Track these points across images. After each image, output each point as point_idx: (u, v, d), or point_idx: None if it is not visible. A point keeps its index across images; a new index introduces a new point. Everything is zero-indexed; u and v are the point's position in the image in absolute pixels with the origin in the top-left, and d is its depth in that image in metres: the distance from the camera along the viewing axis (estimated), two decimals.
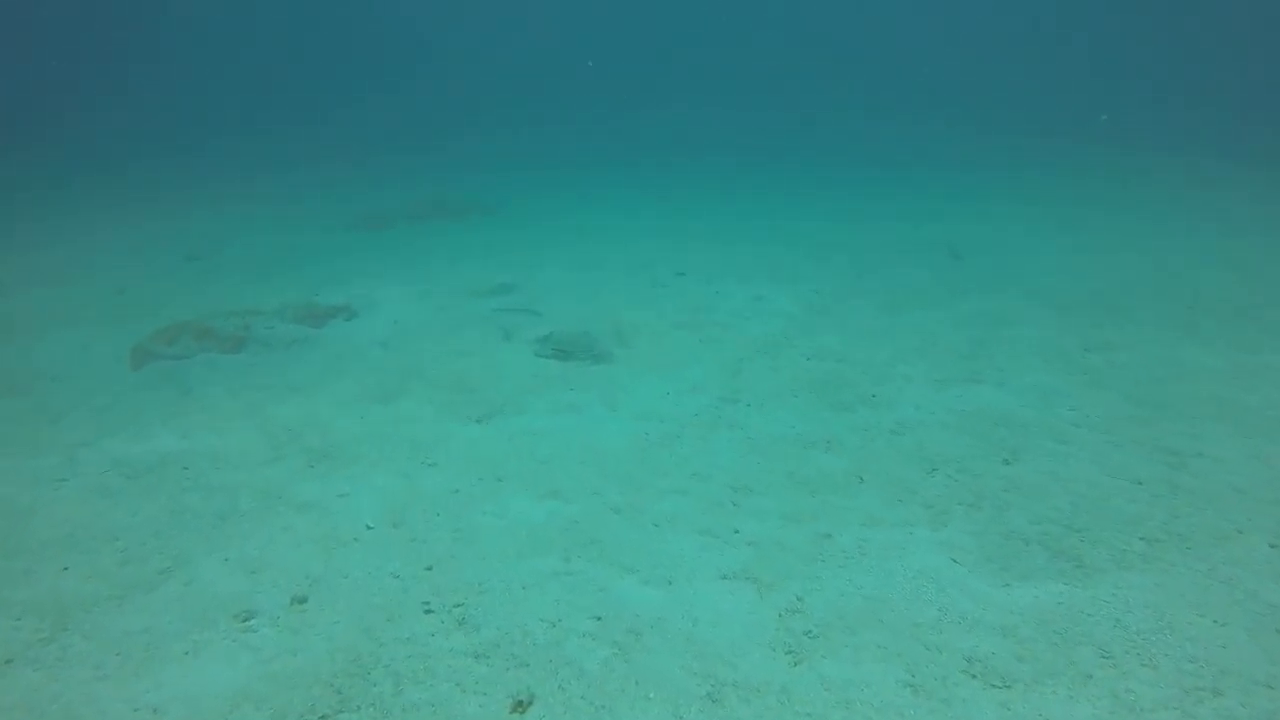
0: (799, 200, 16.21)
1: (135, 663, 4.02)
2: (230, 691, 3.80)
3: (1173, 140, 21.04)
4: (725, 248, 12.47)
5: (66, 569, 4.80)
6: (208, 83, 29.76)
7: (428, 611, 4.34)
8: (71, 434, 6.61)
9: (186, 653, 4.08)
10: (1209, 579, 4.40)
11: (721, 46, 36.33)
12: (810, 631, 4.08)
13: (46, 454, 6.24)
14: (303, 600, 4.47)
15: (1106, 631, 4.02)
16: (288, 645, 4.11)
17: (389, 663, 3.95)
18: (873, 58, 34.31)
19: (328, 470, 5.95)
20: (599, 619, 4.23)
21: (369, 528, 5.18)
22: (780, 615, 4.21)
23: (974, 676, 3.74)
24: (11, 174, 20.03)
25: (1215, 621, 4.07)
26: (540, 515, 5.24)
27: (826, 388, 7.06)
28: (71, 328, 9.43)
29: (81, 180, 19.52)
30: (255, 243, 13.81)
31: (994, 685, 3.68)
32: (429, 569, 4.71)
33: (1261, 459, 5.63)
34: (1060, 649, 3.91)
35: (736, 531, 4.96)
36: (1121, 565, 4.53)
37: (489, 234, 14.01)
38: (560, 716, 3.57)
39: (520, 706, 3.63)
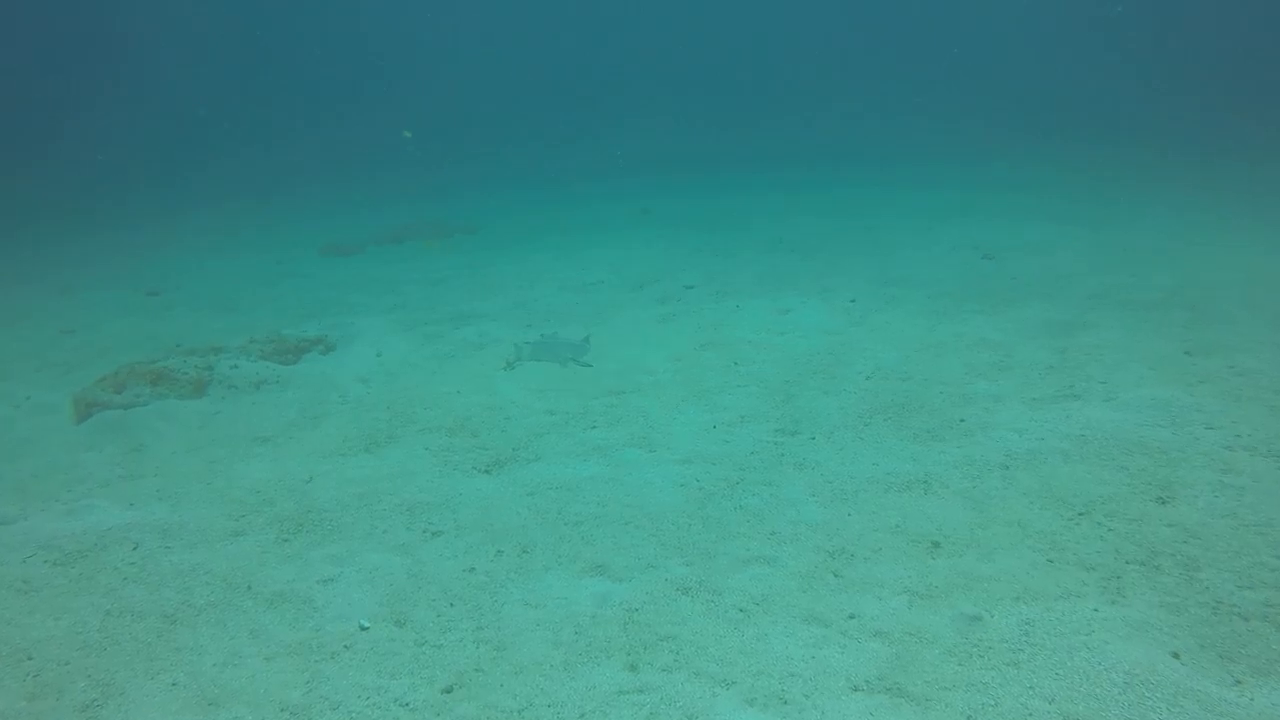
0: (799, 204, 15.01)
1: None
2: None
3: (1184, 135, 20.14)
4: (727, 259, 11.23)
5: None
6: (178, 113, 28.24)
7: None
8: None
9: None
10: None
11: (708, 52, 35.36)
12: None
13: None
14: None
15: None
16: None
17: None
18: (860, 54, 33.44)
19: (305, 546, 4.59)
20: None
21: (363, 628, 3.84)
22: None
23: None
24: None
25: None
26: (586, 601, 3.92)
27: (901, 413, 5.80)
28: (5, 379, 7.98)
29: (47, 219, 17.90)
30: (222, 272, 12.41)
31: None
32: (448, 692, 3.38)
33: None
34: None
35: (852, 617, 3.66)
36: None
37: (472, 255, 12.69)
38: None
39: None
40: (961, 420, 5.58)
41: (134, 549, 4.64)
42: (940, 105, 26.43)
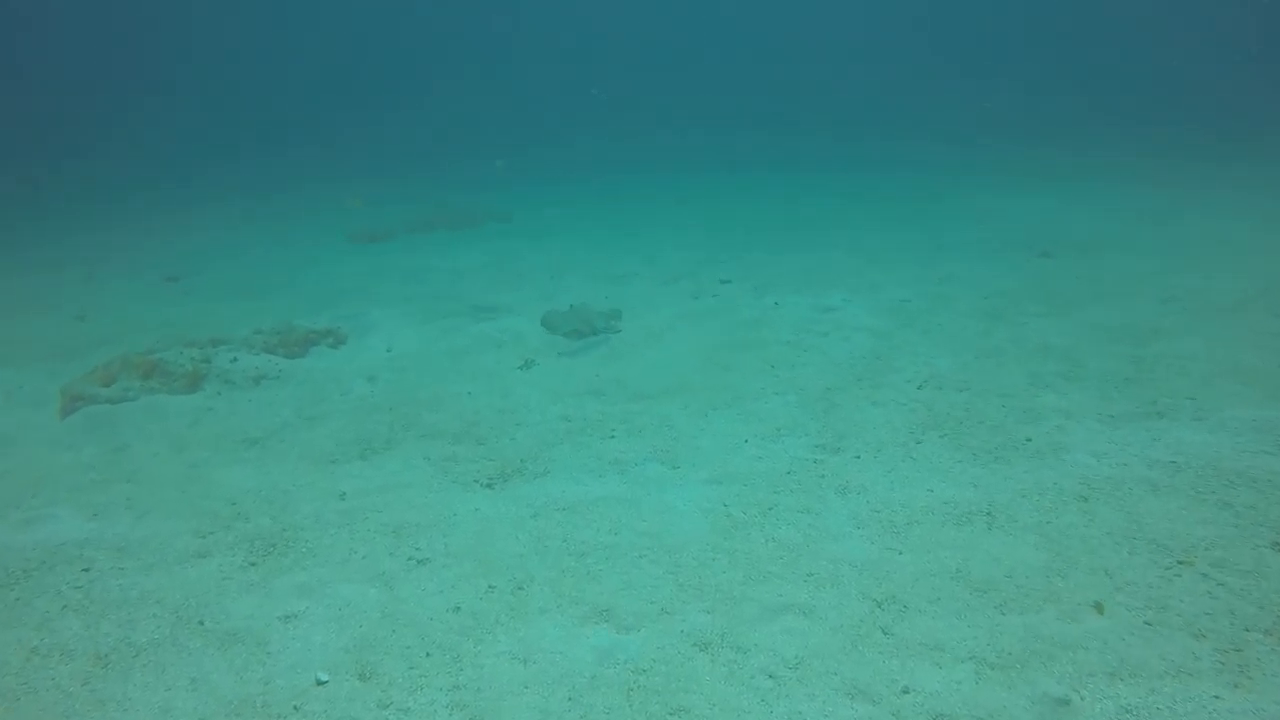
0: (836, 205, 14.16)
1: None
2: None
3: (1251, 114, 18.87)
4: (767, 253, 10.46)
5: None
6: (217, 104, 28.00)
7: None
8: None
9: None
10: None
11: (744, 63, 34.42)
12: None
13: None
14: None
15: None
16: None
17: None
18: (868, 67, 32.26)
19: (273, 571, 3.96)
20: None
21: (320, 682, 3.19)
22: None
23: None
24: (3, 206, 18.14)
25: None
26: (586, 656, 3.24)
27: (958, 428, 5.03)
28: (5, 366, 7.49)
29: (79, 207, 17.60)
30: (246, 259, 11.90)
31: None
32: None
33: None
34: None
35: (906, 691, 2.93)
36: None
37: (503, 243, 12.04)
38: None
39: None
40: (1028, 440, 4.79)
41: (84, 570, 4.05)
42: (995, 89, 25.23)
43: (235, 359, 6.94)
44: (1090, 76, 26.15)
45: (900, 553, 3.79)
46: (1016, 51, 30.44)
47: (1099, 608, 3.21)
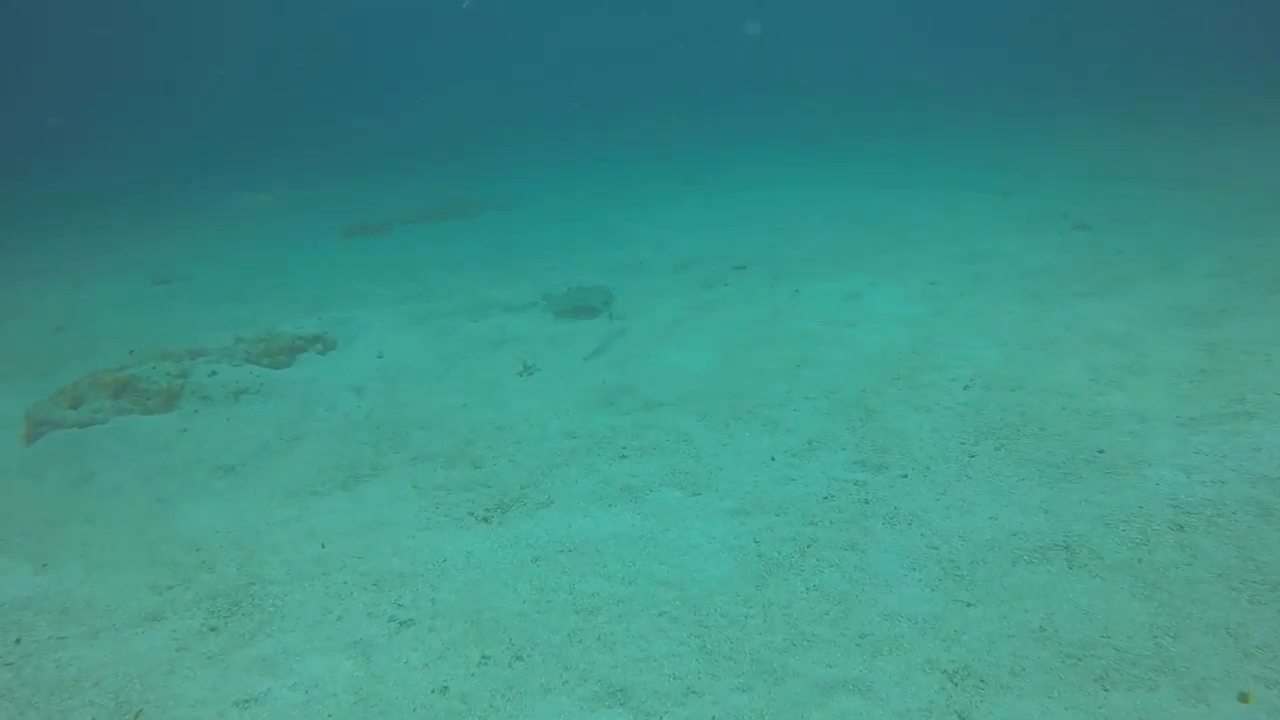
0: (848, 174, 13.40)
1: None
2: None
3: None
4: (782, 233, 9.76)
5: None
6: (215, 104, 27.26)
7: None
8: None
9: None
10: None
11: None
12: None
13: None
14: None
15: None
16: None
17: None
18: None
19: (234, 640, 3.36)
20: None
21: None
22: None
23: None
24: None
25: None
26: None
27: (1016, 438, 4.37)
28: None
29: (70, 211, 16.91)
30: (237, 258, 11.28)
31: None
32: None
33: None
34: None
35: None
36: None
37: (500, 234, 11.36)
38: None
39: None
40: (1100, 451, 4.13)
41: (16, 642, 3.46)
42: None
43: (214, 372, 6.33)
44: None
45: (969, 605, 3.15)
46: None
47: (1244, 698, 2.56)
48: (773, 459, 4.43)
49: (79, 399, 6.02)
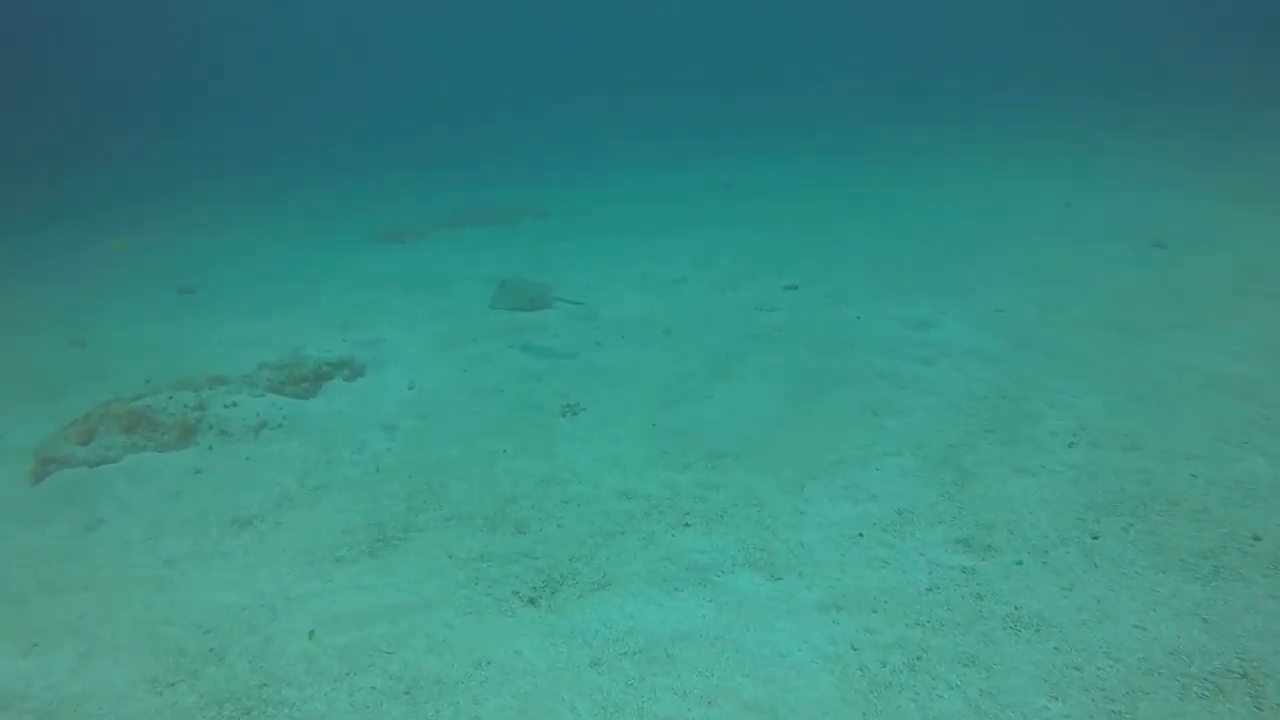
0: (883, 176, 12.64)
1: None
2: None
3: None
4: (832, 246, 9.09)
5: None
6: (248, 102, 26.80)
7: None
8: None
9: None
10: None
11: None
12: None
13: None
14: None
15: None
16: None
17: None
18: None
19: None
20: None
21: None
22: None
23: None
24: (27, 211, 17.04)
25: None
26: None
27: (1145, 514, 3.71)
28: None
29: (93, 212, 16.42)
30: (263, 266, 10.72)
31: None
32: None
33: None
34: None
35: None
36: None
37: (536, 244, 10.75)
38: None
39: None
40: (1255, 539, 3.47)
41: None
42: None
43: (234, 404, 5.79)
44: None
45: None
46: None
47: None
48: (860, 534, 3.81)
49: (90, 433, 5.50)
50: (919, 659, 3.01)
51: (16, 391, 6.83)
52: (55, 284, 10.37)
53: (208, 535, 4.38)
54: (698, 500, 4.21)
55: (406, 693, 3.08)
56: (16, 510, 4.86)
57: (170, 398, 5.82)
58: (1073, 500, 3.88)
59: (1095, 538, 3.59)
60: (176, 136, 22.43)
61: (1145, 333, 5.82)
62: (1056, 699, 2.77)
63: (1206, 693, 2.73)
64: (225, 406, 5.76)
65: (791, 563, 3.64)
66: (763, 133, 18.57)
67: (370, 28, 34.76)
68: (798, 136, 17.68)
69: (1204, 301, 6.31)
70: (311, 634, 3.46)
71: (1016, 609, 3.21)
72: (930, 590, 3.38)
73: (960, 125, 16.07)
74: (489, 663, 3.20)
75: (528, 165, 17.99)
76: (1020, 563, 3.48)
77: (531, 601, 3.58)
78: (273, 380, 6.18)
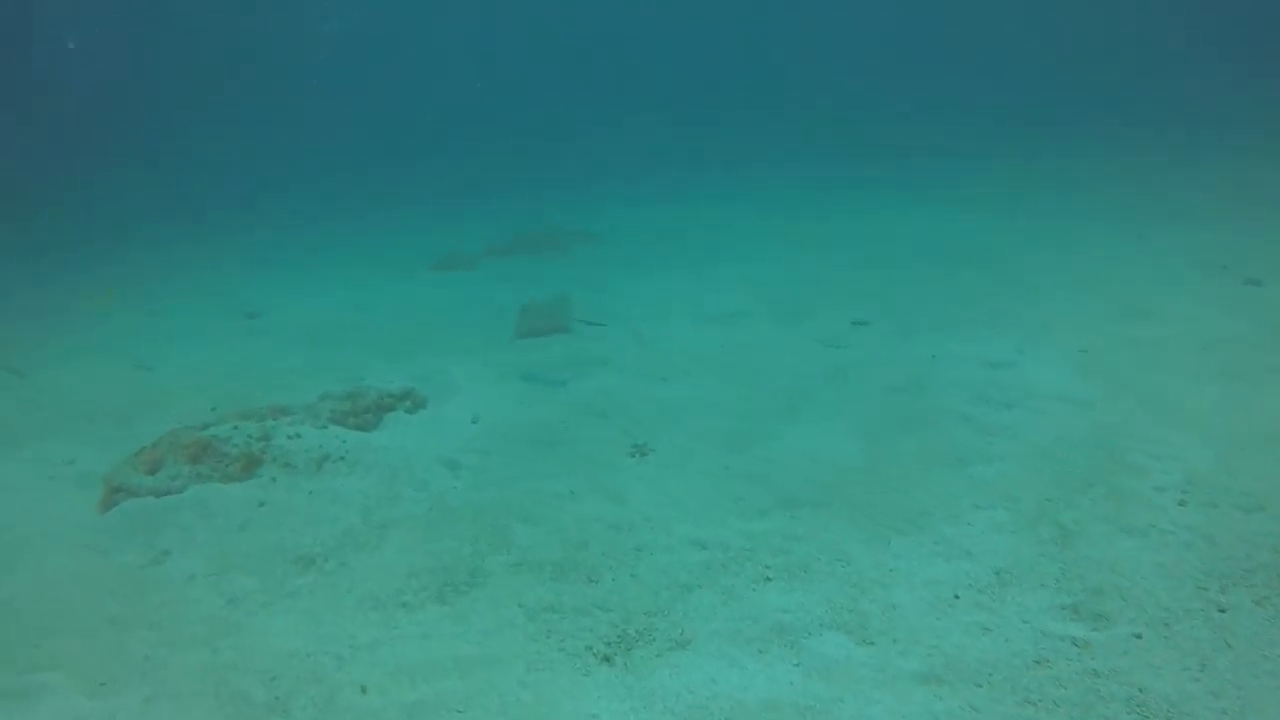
0: (936, 195, 12.29)
1: None
2: None
3: None
4: (897, 269, 8.82)
5: None
6: (309, 126, 27.35)
7: None
8: None
9: None
10: None
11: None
12: None
13: None
14: None
15: None
16: None
17: None
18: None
19: None
20: None
21: None
22: None
23: None
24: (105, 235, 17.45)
25: None
26: None
27: (1274, 584, 3.39)
28: (56, 435, 6.46)
29: (154, 228, 16.71)
30: (325, 294, 10.78)
31: None
32: None
33: None
34: None
35: None
36: None
37: (590, 272, 10.65)
38: None
39: None
40: None
41: None
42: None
43: (297, 435, 5.71)
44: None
45: None
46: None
47: None
48: (956, 596, 3.55)
49: (158, 463, 5.45)
50: None
51: (86, 416, 6.86)
52: (118, 310, 10.49)
53: (272, 573, 4.27)
54: (779, 553, 3.98)
55: None
56: (86, 537, 4.82)
57: (235, 428, 5.76)
58: (1192, 567, 3.57)
59: (1221, 611, 3.29)
60: (226, 167, 22.86)
61: (1250, 379, 5.47)
62: None
63: None
64: (288, 438, 5.68)
65: (884, 626, 3.40)
66: (810, 162, 18.34)
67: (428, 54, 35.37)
68: (843, 164, 17.41)
69: None
70: (364, 689, 3.30)
71: (1140, 693, 2.92)
72: (1039, 663, 3.10)
73: (1023, 158, 15.65)
74: (563, 716, 3.01)
75: (579, 192, 17.99)
76: (1139, 636, 3.20)
77: (606, 659, 3.38)
78: (335, 411, 6.10)
